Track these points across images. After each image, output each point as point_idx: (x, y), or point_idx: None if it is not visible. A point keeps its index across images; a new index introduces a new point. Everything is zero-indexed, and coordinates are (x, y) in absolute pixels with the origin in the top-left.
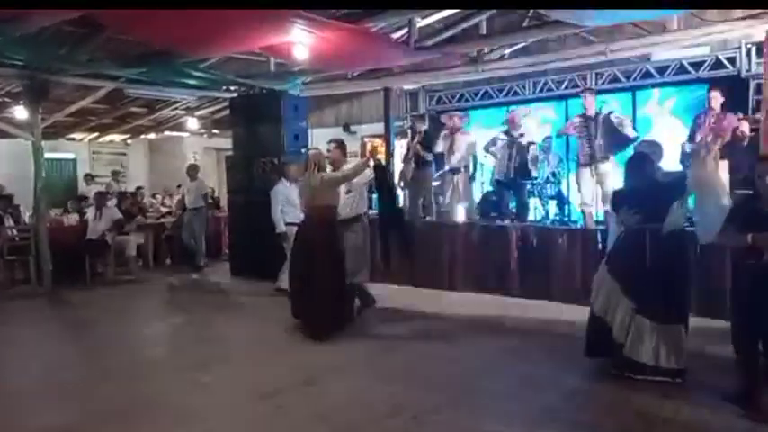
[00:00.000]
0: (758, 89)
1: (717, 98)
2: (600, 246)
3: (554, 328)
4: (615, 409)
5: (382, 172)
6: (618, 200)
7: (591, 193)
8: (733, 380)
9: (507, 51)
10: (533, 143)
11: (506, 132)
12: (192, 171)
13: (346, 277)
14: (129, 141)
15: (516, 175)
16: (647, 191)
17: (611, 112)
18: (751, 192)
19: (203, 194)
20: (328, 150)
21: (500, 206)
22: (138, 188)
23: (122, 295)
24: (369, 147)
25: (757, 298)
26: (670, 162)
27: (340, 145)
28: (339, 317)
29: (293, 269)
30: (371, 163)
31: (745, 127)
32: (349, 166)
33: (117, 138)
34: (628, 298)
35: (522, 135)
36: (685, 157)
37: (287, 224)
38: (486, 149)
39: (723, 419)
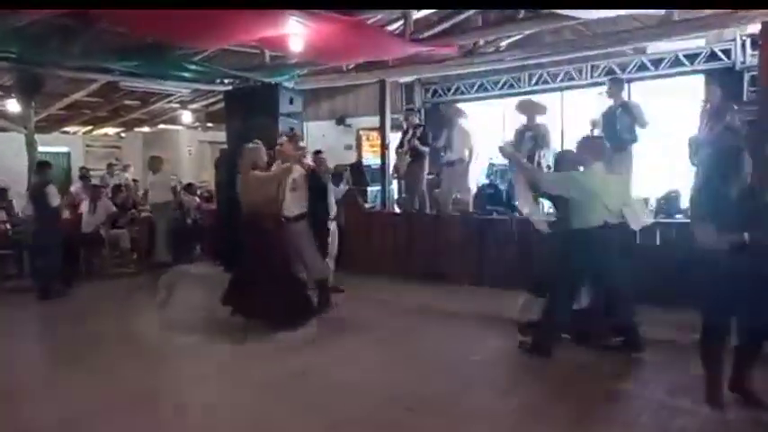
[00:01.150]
0: (753, 81)
1: (715, 92)
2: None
3: None
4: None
5: (316, 180)
6: None
7: None
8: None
9: (503, 44)
10: (544, 126)
11: (526, 126)
12: (155, 163)
13: (296, 273)
14: (123, 134)
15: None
16: None
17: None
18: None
19: (172, 187)
20: (280, 144)
21: (497, 199)
22: (134, 181)
23: (113, 289)
24: (363, 138)
25: (733, 292)
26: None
27: (292, 138)
28: (293, 311)
29: (240, 265)
30: (298, 169)
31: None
32: (279, 167)
33: (111, 131)
34: None
35: (538, 125)
36: (692, 153)
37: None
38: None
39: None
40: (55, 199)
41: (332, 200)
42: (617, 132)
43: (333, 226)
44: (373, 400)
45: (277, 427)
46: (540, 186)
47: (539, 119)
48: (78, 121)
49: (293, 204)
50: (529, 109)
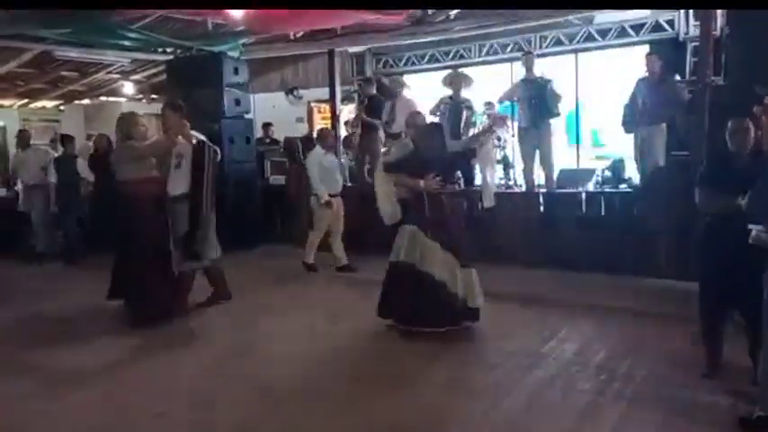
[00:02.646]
0: (695, 52)
1: (655, 62)
2: (541, 208)
3: None
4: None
5: (199, 155)
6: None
7: (533, 158)
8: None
9: (452, 13)
10: (469, 107)
11: (451, 97)
12: (23, 138)
13: (177, 258)
14: (62, 107)
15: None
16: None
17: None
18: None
19: (43, 167)
20: (164, 115)
21: None
22: (74, 157)
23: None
24: (315, 111)
25: (731, 262)
26: (614, 124)
27: (177, 109)
28: (164, 302)
29: (120, 251)
30: (184, 143)
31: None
32: (156, 139)
33: (49, 104)
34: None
35: (466, 100)
36: (628, 120)
37: (331, 195)
38: (433, 114)
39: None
40: None
41: (338, 175)
42: (547, 104)
43: (338, 201)
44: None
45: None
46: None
47: (464, 92)
48: (13, 93)
49: (178, 182)
50: (455, 82)
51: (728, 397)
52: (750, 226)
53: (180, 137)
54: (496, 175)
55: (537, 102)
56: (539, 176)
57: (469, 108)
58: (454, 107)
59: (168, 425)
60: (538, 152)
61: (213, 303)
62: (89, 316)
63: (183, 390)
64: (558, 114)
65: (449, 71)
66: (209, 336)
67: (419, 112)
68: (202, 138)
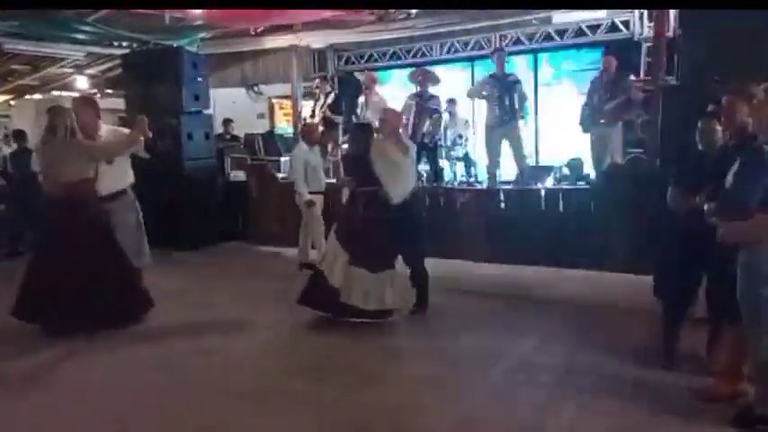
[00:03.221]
0: (649, 52)
1: (611, 62)
2: (503, 205)
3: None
4: None
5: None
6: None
7: (498, 155)
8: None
9: (414, 11)
10: (438, 111)
11: (418, 95)
12: None
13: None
14: (12, 102)
15: (424, 140)
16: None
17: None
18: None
19: None
20: (75, 111)
21: None
22: (29, 152)
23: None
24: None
25: (699, 259)
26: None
27: (90, 103)
28: (126, 306)
29: (45, 260)
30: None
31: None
32: (109, 135)
33: None
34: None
35: (431, 97)
36: (585, 119)
37: (311, 193)
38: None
39: None
40: None
41: (321, 173)
42: (513, 104)
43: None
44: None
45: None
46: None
47: (432, 89)
48: None
49: (111, 178)
50: (419, 75)
51: (684, 388)
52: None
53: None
54: (458, 172)
55: (506, 99)
56: (501, 173)
57: (436, 110)
58: (420, 106)
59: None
60: (505, 148)
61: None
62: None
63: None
64: (524, 117)
65: (411, 69)
66: (158, 337)
67: (387, 109)
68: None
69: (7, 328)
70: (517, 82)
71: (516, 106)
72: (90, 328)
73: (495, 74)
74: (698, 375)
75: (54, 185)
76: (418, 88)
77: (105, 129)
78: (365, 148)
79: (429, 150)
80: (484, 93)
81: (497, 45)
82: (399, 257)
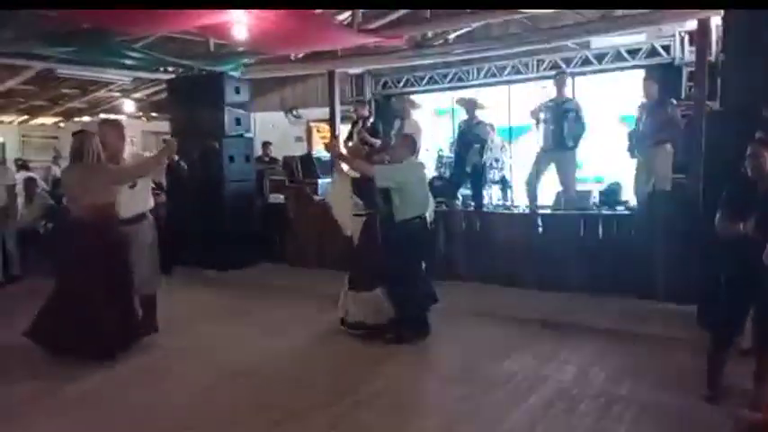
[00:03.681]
0: (690, 76)
1: (651, 87)
2: (540, 229)
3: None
4: None
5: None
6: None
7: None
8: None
9: (452, 36)
10: (481, 139)
11: (465, 122)
12: None
13: (134, 287)
14: (61, 124)
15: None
16: None
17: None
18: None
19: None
20: (101, 135)
21: (446, 190)
22: None
23: None
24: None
25: (746, 286)
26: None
27: (115, 127)
28: (128, 332)
29: (62, 283)
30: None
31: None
32: (132, 158)
33: (49, 121)
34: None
35: (478, 124)
36: (631, 145)
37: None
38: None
39: None
40: None
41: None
42: (563, 131)
43: None
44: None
45: None
46: (375, 180)
47: (479, 114)
48: (13, 109)
49: (134, 202)
50: (468, 104)
51: (729, 419)
52: None
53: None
54: (494, 195)
55: (556, 126)
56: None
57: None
58: (467, 130)
59: None
60: (552, 174)
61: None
62: None
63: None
64: (574, 147)
65: (450, 92)
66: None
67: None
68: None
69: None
70: (571, 110)
71: (566, 133)
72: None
73: (555, 98)
74: (742, 408)
75: (77, 209)
76: (466, 114)
77: (128, 151)
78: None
79: (472, 176)
80: (540, 115)
81: (534, 70)
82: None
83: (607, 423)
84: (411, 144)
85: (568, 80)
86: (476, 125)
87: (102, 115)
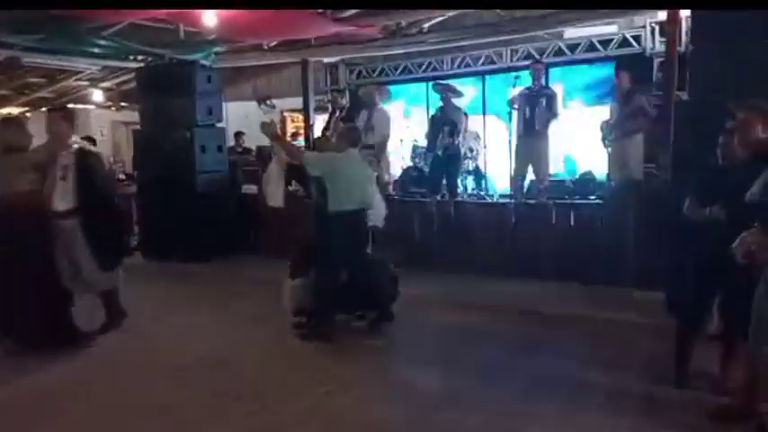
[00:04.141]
0: (661, 66)
1: (623, 76)
2: (512, 218)
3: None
4: None
5: (90, 160)
6: None
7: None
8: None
9: (426, 26)
10: (454, 123)
11: (441, 108)
12: None
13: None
14: (28, 114)
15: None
16: None
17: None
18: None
19: None
20: (50, 121)
21: (421, 181)
22: None
23: None
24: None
25: (711, 268)
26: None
27: (65, 115)
28: (59, 328)
29: None
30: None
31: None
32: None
33: (14, 111)
34: None
35: (453, 108)
36: (604, 135)
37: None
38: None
39: None
40: None
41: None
42: (534, 117)
43: None
44: None
45: None
46: (304, 166)
47: (455, 102)
48: None
49: (65, 195)
50: (444, 89)
51: (696, 404)
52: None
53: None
54: (469, 185)
55: (527, 113)
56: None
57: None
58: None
59: None
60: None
61: (106, 330)
62: None
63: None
64: (542, 131)
65: (424, 82)
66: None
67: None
68: (87, 146)
69: None
70: (543, 96)
71: (536, 118)
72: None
73: (531, 86)
74: (709, 393)
75: (4, 196)
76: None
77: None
78: None
79: (445, 163)
80: (515, 105)
81: (508, 60)
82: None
83: (577, 409)
84: (351, 135)
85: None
86: (449, 110)
87: (71, 105)
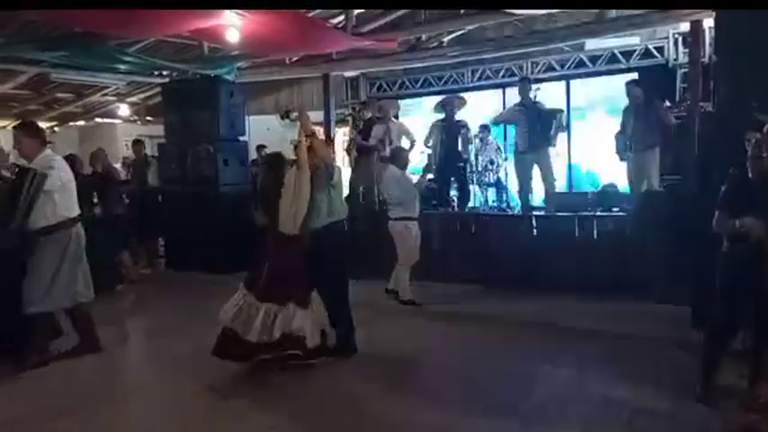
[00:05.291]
0: (684, 78)
1: (636, 92)
2: (534, 231)
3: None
4: None
5: (20, 177)
6: None
7: (529, 180)
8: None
9: (445, 39)
10: (465, 125)
11: (443, 120)
12: None
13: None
14: (56, 129)
15: (450, 159)
16: None
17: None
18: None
19: None
20: (16, 139)
21: (439, 194)
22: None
23: None
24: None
25: (746, 286)
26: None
27: (28, 131)
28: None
29: None
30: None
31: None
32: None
33: (43, 125)
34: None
35: (458, 122)
36: (619, 148)
37: (404, 218)
38: (426, 143)
39: None
40: None
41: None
42: (536, 132)
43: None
44: None
45: None
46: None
47: (458, 114)
48: (7, 114)
49: (39, 215)
50: (447, 104)
51: (723, 420)
52: None
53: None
54: (490, 198)
55: (536, 126)
56: (534, 198)
57: (465, 127)
58: (448, 129)
59: None
60: (537, 173)
61: (80, 354)
62: None
63: None
64: (554, 145)
65: (442, 96)
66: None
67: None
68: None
69: None
70: (545, 110)
71: (549, 132)
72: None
73: (524, 102)
74: (736, 410)
75: None
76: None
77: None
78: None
79: (456, 173)
80: (514, 120)
81: (529, 72)
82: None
83: (602, 425)
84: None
85: (534, 85)
86: (456, 122)
87: (98, 119)
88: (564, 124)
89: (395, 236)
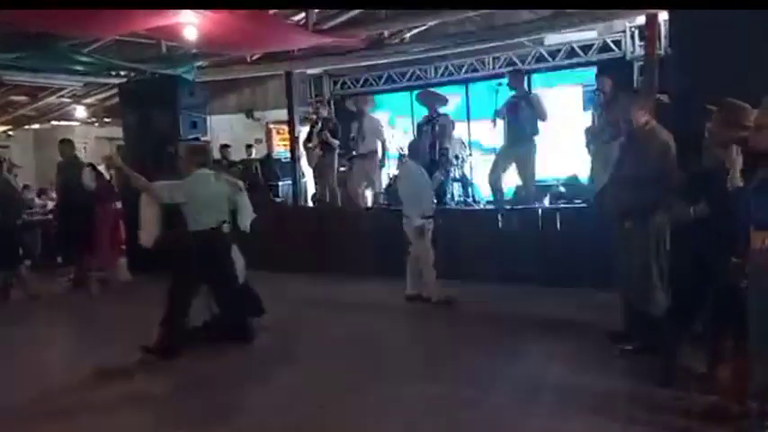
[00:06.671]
0: (641, 71)
1: (606, 82)
2: (499, 224)
3: None
4: None
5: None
6: None
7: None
8: None
9: (408, 36)
10: (446, 116)
11: (428, 117)
12: None
13: None
14: (10, 133)
15: (431, 153)
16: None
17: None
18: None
19: None
20: None
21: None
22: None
23: None
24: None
25: (699, 269)
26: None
27: None
28: None
29: None
30: None
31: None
32: None
33: None
34: None
35: (439, 114)
36: (588, 141)
37: (423, 217)
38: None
39: None
40: None
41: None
42: (520, 124)
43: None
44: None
45: None
46: (157, 196)
47: (441, 109)
48: None
49: None
50: (429, 99)
51: (683, 403)
52: None
53: None
54: (456, 193)
55: (514, 120)
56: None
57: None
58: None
59: None
60: (514, 165)
61: None
62: None
63: None
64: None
65: (408, 92)
66: None
67: None
68: None
69: None
70: (527, 101)
71: (522, 126)
72: None
73: (515, 94)
74: (696, 393)
75: None
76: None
77: None
78: None
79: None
80: (502, 114)
81: (490, 67)
82: None
83: (568, 413)
84: (198, 155)
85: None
86: (436, 117)
87: (54, 122)
88: (543, 111)
89: (413, 236)
